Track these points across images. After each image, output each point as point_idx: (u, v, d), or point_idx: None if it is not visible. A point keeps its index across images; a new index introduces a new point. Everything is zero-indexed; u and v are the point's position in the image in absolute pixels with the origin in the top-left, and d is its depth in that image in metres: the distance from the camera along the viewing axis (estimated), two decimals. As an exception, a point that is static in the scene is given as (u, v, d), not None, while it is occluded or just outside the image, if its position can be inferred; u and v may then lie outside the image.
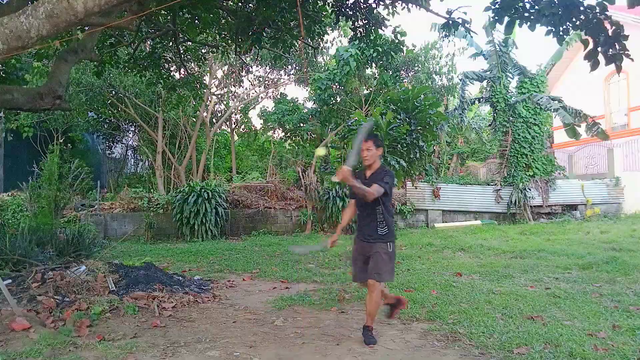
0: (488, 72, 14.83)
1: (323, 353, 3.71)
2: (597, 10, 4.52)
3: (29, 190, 9.49)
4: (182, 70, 10.26)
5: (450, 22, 6.88)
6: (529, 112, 14.31)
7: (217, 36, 9.31)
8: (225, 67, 17.98)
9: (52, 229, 6.89)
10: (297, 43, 9.75)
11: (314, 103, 16.71)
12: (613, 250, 7.89)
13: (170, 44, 8.74)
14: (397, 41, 11.07)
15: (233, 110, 19.11)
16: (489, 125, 16.94)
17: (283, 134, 19.11)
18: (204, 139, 18.47)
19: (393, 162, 7.58)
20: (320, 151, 5.26)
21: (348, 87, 15.39)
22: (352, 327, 4.37)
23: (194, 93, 10.12)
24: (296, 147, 18.40)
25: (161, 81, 9.14)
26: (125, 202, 13.03)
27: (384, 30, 8.46)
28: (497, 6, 4.95)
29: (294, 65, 18.09)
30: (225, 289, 6.19)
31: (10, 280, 4.98)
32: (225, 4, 8.01)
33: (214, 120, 18.93)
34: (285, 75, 19.19)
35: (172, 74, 9.87)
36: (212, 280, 6.62)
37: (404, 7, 7.61)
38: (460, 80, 15.06)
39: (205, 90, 14.16)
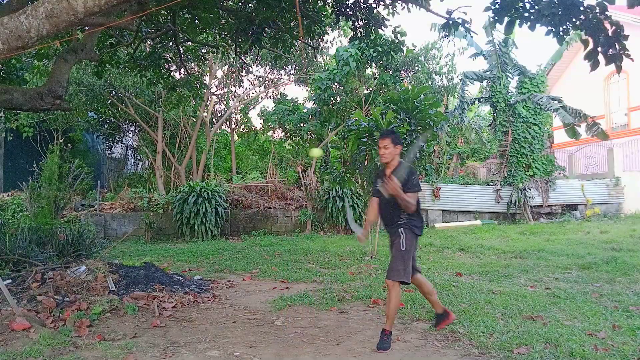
0: (488, 72, 14.84)
1: (323, 353, 3.71)
2: (597, 10, 4.52)
3: (29, 190, 9.50)
4: (182, 70, 10.26)
5: (450, 22, 6.87)
6: (529, 112, 14.31)
7: (217, 36, 9.31)
8: (225, 67, 17.98)
9: (52, 229, 6.89)
10: (297, 43, 9.74)
11: (314, 103, 16.69)
12: (613, 250, 7.89)
13: (170, 44, 8.73)
14: (397, 41, 11.05)
15: (233, 110, 19.11)
16: (489, 125, 16.93)
17: (283, 134, 19.11)
18: (204, 139, 18.47)
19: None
20: (315, 152, 5.35)
21: (348, 87, 15.38)
22: (352, 327, 4.37)
23: (194, 93, 10.12)
24: (296, 147, 18.39)
25: (161, 81, 9.14)
26: (125, 202, 13.03)
27: (384, 30, 8.44)
28: (497, 6, 4.95)
29: (294, 65, 18.08)
30: (225, 289, 6.19)
31: (10, 280, 4.98)
32: (225, 4, 8.01)
33: (214, 120, 18.93)
34: (285, 75, 19.18)
35: (172, 74, 9.86)
36: (212, 280, 6.61)
37: (404, 7, 7.60)
38: (460, 80, 15.06)
39: (205, 90, 14.15)
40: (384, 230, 4.13)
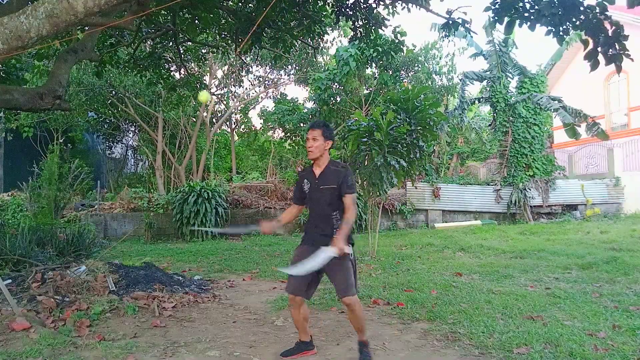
0: (488, 72, 14.84)
1: (323, 353, 3.71)
2: (597, 10, 4.52)
3: (29, 190, 9.52)
4: (182, 70, 10.27)
5: (450, 22, 6.88)
6: (529, 112, 14.31)
7: (217, 36, 9.31)
8: (225, 67, 17.99)
9: (52, 229, 6.89)
10: (297, 43, 9.74)
11: (314, 103, 16.72)
12: (613, 250, 7.89)
13: (170, 44, 8.74)
14: (397, 41, 11.08)
15: (233, 110, 19.12)
16: (489, 125, 16.94)
17: (283, 134, 19.14)
18: (204, 139, 18.48)
19: (393, 162, 7.57)
20: (203, 96, 5.35)
21: (348, 87, 15.40)
22: (352, 327, 4.37)
23: (194, 93, 10.13)
24: (296, 147, 18.40)
25: (161, 81, 9.14)
26: (125, 202, 13.03)
27: (384, 30, 8.46)
28: (497, 6, 4.96)
29: (294, 65, 18.09)
30: (225, 289, 6.19)
31: (10, 280, 4.98)
32: (225, 4, 8.01)
33: (214, 120, 18.94)
34: (285, 75, 19.20)
35: (172, 74, 9.87)
36: (212, 280, 6.61)
37: (404, 7, 7.61)
38: (460, 80, 15.06)
39: (205, 90, 14.16)
40: (310, 244, 3.43)
